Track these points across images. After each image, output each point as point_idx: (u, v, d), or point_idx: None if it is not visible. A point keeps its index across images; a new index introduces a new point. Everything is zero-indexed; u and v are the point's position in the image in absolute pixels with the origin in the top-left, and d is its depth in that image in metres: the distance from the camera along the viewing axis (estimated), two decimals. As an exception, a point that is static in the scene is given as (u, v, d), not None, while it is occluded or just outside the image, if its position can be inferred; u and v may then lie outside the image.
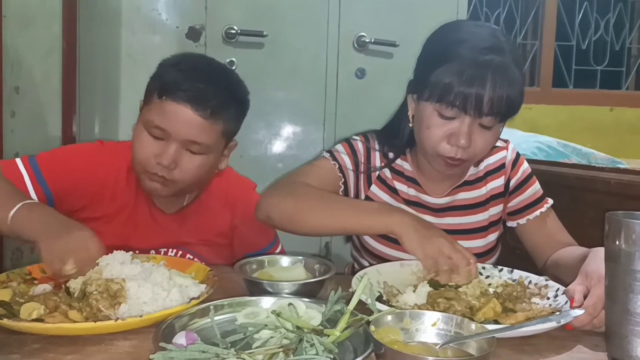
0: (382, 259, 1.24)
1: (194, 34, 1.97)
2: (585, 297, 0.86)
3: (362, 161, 1.27)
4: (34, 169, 1.17)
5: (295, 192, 1.17)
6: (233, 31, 1.96)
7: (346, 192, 1.25)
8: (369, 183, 1.27)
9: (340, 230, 1.24)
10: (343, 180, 1.25)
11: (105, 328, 0.79)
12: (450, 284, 0.98)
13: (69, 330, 0.79)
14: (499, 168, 1.29)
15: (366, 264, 1.29)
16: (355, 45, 2.06)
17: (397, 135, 1.26)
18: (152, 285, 0.87)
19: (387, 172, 1.28)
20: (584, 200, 1.56)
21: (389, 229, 1.05)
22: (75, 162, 1.22)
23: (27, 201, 1.02)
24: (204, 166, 1.19)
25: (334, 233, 1.15)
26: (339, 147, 1.28)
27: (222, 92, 1.17)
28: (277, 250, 1.39)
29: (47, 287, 0.92)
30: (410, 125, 1.21)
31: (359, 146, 1.28)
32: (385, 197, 1.27)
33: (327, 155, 1.27)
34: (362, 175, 1.27)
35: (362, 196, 1.27)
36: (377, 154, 1.28)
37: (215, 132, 1.17)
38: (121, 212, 1.25)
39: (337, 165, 1.25)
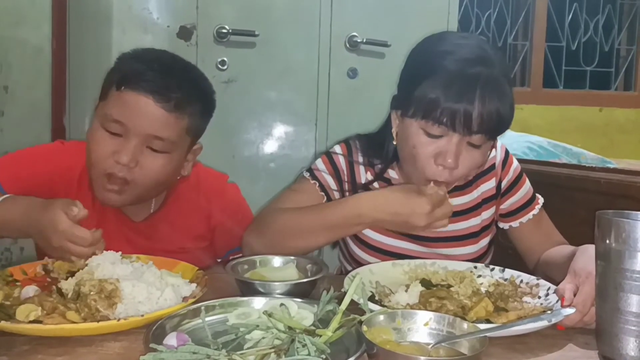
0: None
1: (185, 33, 1.96)
2: (575, 294, 0.86)
3: (346, 179, 1.22)
4: None
5: (271, 224, 1.13)
6: (224, 31, 1.95)
7: None
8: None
9: (321, 246, 1.26)
10: (325, 199, 1.20)
11: (108, 328, 0.78)
12: (442, 283, 0.98)
13: (70, 331, 0.77)
14: (489, 169, 1.26)
15: (350, 269, 1.28)
16: (347, 45, 2.06)
17: (382, 151, 1.21)
18: (146, 285, 0.87)
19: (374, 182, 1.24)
20: (575, 199, 1.57)
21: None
22: (32, 165, 1.16)
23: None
24: (166, 167, 1.10)
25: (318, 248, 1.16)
26: (320, 164, 1.23)
27: (187, 85, 1.09)
28: None
29: (35, 288, 0.90)
30: (394, 143, 1.15)
31: (341, 162, 1.23)
32: None
33: (307, 175, 1.23)
34: (347, 193, 1.22)
35: None
36: (362, 168, 1.23)
37: (179, 128, 1.09)
38: (88, 216, 1.20)
39: (318, 184, 1.20)
